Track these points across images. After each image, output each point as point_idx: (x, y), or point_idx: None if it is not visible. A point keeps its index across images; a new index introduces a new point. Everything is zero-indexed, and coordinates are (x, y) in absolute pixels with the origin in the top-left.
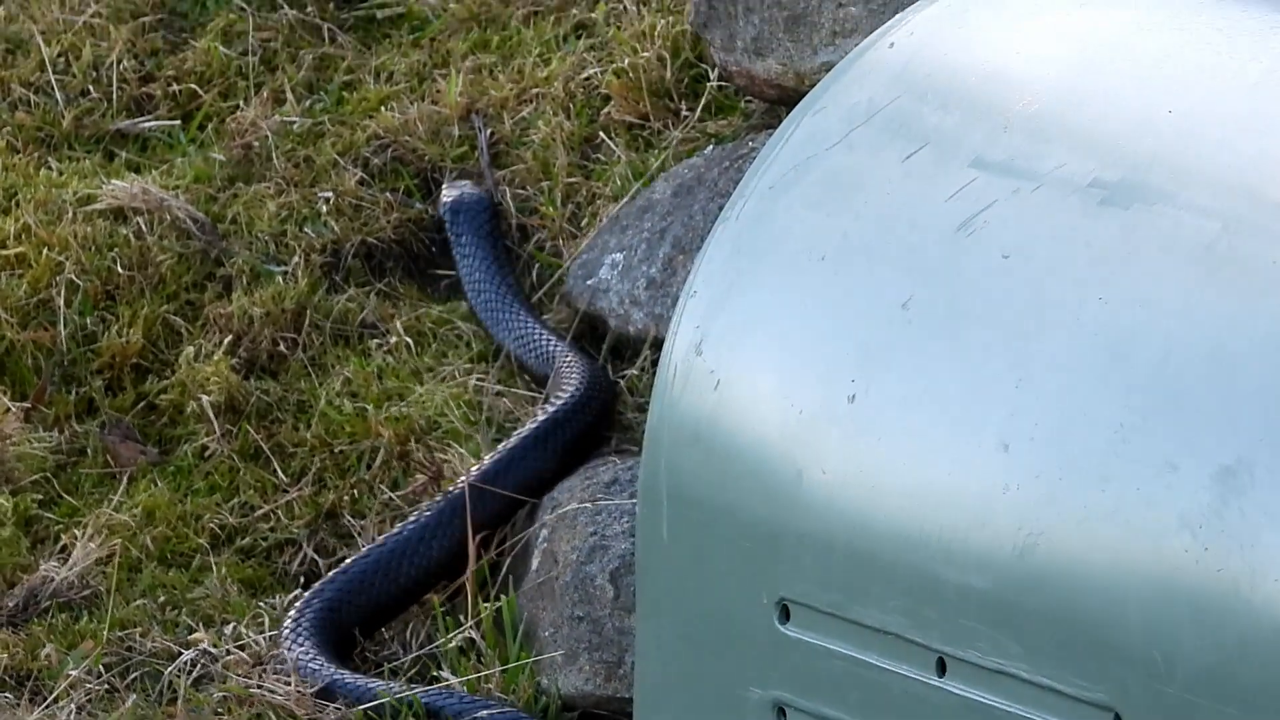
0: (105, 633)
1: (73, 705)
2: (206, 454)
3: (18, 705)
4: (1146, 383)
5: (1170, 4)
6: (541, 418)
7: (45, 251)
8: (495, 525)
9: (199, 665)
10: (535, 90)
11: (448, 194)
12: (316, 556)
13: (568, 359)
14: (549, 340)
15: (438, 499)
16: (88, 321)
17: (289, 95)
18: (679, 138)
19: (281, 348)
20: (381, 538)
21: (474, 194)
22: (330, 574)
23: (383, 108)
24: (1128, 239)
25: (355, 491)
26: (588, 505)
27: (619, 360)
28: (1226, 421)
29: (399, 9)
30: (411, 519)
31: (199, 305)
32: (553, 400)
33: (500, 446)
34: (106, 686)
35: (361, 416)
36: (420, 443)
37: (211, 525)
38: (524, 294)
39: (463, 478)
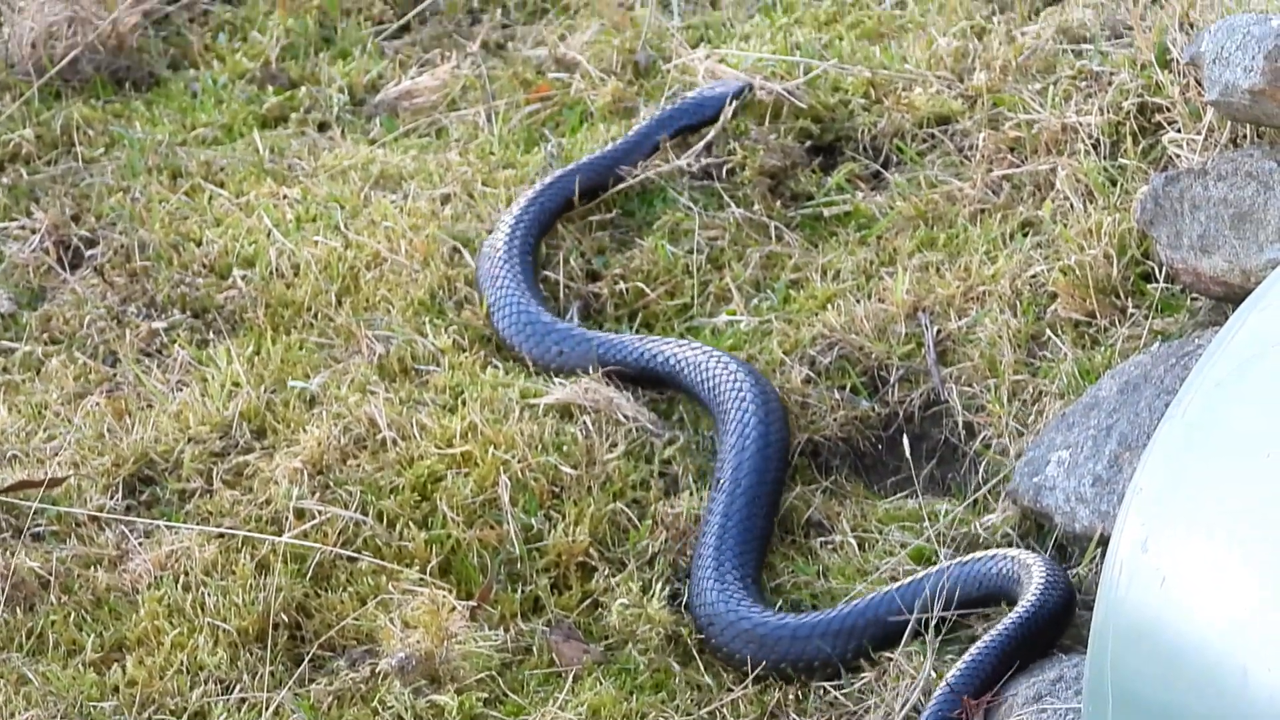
0: None
1: None
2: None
3: None
4: None
5: None
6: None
7: (491, 450)
8: None
9: None
10: (982, 288)
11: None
12: None
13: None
14: None
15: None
16: (534, 520)
17: (734, 293)
18: (1125, 334)
19: None
20: None
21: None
22: None
23: (829, 305)
24: None
25: (800, 691)
26: (1033, 706)
27: (1064, 558)
28: None
29: (846, 207)
30: None
31: (645, 504)
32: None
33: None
34: None
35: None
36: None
37: None
38: None
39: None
